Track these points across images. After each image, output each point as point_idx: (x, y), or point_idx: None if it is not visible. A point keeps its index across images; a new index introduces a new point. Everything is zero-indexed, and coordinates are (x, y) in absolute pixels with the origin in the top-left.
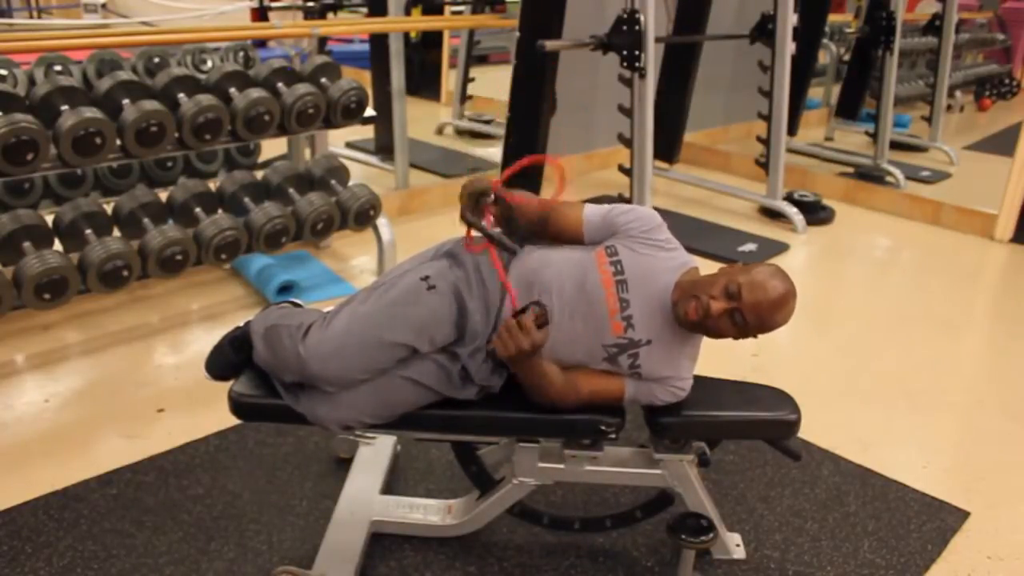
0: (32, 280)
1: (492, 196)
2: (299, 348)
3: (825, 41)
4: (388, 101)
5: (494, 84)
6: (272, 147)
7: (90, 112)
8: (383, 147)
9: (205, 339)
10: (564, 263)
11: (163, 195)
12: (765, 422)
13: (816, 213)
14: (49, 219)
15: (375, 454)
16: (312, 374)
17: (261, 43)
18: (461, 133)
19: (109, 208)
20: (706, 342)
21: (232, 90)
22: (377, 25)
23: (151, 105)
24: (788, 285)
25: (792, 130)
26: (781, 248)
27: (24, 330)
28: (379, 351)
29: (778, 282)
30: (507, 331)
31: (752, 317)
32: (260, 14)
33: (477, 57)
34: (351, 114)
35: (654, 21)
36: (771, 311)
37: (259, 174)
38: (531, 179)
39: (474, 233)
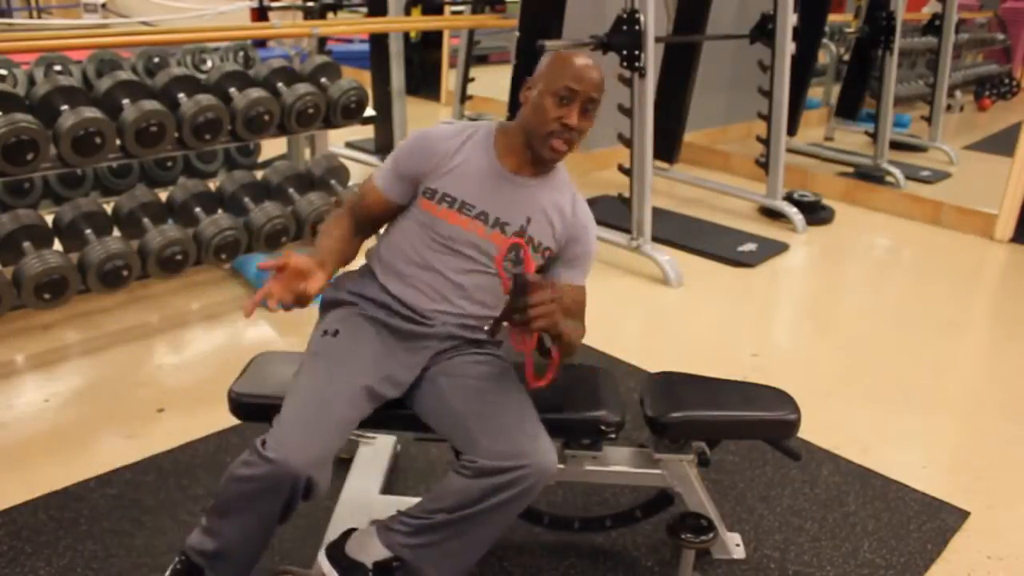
0: (32, 280)
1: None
2: (269, 464)
3: (825, 41)
4: (388, 101)
5: (494, 84)
6: (272, 147)
7: (90, 112)
8: (383, 147)
9: (205, 339)
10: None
11: (163, 195)
12: (765, 422)
13: (816, 213)
14: (49, 219)
15: (375, 454)
16: (294, 472)
17: (261, 43)
18: None
19: (109, 208)
20: (705, 341)
21: (232, 90)
22: (377, 25)
23: (151, 105)
24: (581, 53)
25: (792, 130)
26: (781, 248)
27: (24, 330)
28: (339, 404)
29: (581, 56)
30: (543, 307)
31: (596, 94)
32: (260, 14)
33: (477, 57)
34: (351, 114)
35: (654, 21)
36: (597, 77)
37: (259, 174)
38: None
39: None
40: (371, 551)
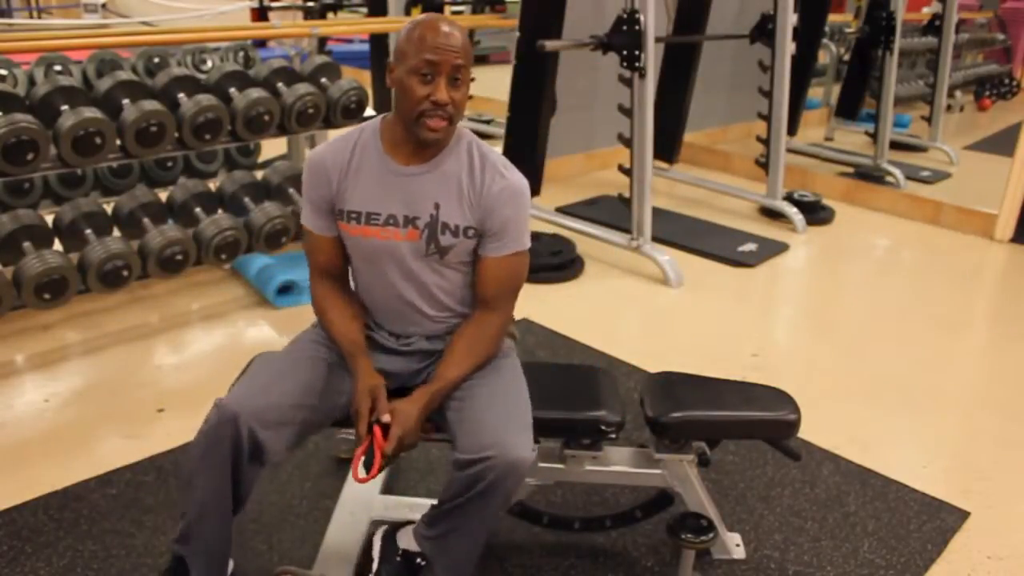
0: (32, 280)
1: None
2: (215, 409)
3: (825, 41)
4: (388, 101)
5: (494, 84)
6: (272, 147)
7: (90, 112)
8: None
9: (205, 339)
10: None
11: (163, 195)
12: (765, 422)
13: (816, 213)
14: (49, 219)
15: None
16: (234, 415)
17: (261, 43)
18: None
19: (109, 208)
20: (705, 341)
21: (232, 90)
22: (377, 25)
23: (151, 105)
24: (438, 17)
25: (792, 130)
26: (781, 248)
27: (24, 330)
28: (291, 368)
29: (434, 23)
30: (393, 451)
31: (459, 60)
32: (260, 14)
33: (477, 57)
34: (351, 114)
35: (654, 21)
36: (456, 42)
37: (259, 174)
38: (531, 176)
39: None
40: (407, 540)
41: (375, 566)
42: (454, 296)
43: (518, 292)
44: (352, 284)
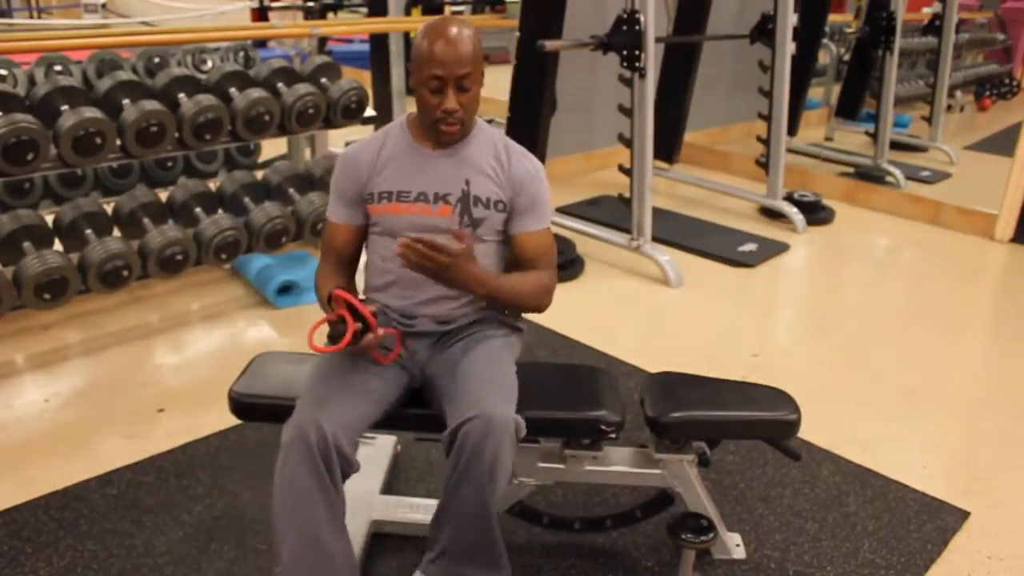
0: (32, 280)
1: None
2: (288, 423)
3: (825, 41)
4: (388, 101)
5: (494, 84)
6: (272, 147)
7: (90, 112)
8: None
9: (205, 339)
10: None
11: (163, 195)
12: (765, 422)
13: (816, 213)
14: (49, 219)
15: (375, 454)
16: (316, 420)
17: (261, 43)
18: None
19: (109, 208)
20: (705, 341)
21: (232, 90)
22: (377, 25)
23: (151, 105)
24: (451, 22)
25: (792, 130)
26: (781, 248)
27: (24, 330)
28: (357, 372)
29: (439, 34)
30: (424, 251)
31: (463, 70)
32: (260, 14)
33: None
34: (351, 114)
35: (654, 21)
36: (458, 52)
37: (259, 174)
38: None
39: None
40: None
41: None
42: None
43: (556, 263)
44: (365, 277)
